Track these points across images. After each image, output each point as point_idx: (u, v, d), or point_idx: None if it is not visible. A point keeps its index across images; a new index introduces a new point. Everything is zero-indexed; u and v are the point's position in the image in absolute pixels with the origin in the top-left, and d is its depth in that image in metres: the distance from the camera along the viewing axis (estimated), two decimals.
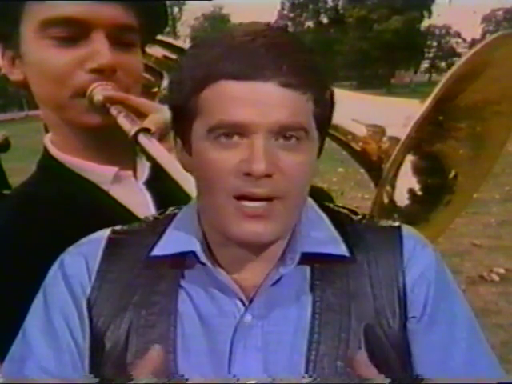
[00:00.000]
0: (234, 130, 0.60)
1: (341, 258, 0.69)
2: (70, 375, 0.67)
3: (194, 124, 0.64)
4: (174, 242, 0.70)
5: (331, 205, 0.78)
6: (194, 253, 0.68)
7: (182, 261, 0.70)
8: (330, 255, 0.68)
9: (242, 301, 0.67)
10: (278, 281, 0.68)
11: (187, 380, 0.64)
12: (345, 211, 0.76)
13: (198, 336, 0.67)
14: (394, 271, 0.69)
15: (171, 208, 0.77)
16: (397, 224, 0.74)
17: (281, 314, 0.67)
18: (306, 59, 0.63)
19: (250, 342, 0.66)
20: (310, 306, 0.67)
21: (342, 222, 0.73)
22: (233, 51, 0.61)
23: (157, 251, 0.70)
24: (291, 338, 0.66)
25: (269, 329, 0.67)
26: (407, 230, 0.74)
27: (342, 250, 0.69)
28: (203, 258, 0.67)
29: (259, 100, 0.60)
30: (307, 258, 0.68)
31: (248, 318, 0.67)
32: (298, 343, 0.66)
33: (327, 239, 0.70)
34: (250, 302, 0.68)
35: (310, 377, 0.64)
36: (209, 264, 0.67)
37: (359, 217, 0.75)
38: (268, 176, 0.60)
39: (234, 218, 0.62)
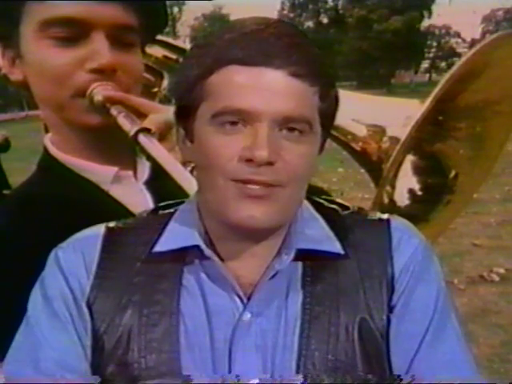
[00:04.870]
0: (239, 117, 0.61)
1: (335, 255, 0.69)
2: (85, 368, 0.67)
3: (199, 109, 0.64)
4: (176, 237, 0.70)
5: (321, 200, 0.77)
6: (197, 247, 0.67)
7: (183, 257, 0.69)
8: (324, 252, 0.69)
9: (240, 298, 0.68)
10: (273, 277, 0.68)
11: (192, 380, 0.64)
12: (334, 206, 0.76)
13: (201, 334, 0.67)
14: (383, 264, 0.70)
15: (162, 204, 0.76)
16: (386, 216, 0.74)
17: (275, 310, 0.67)
18: (315, 53, 0.64)
19: (250, 340, 0.66)
20: (300, 302, 0.68)
21: (330, 217, 0.73)
22: (243, 38, 0.61)
23: (159, 247, 0.69)
24: (284, 334, 0.66)
25: (267, 326, 0.67)
26: (395, 221, 0.74)
27: (336, 247, 0.69)
28: (207, 252, 0.67)
29: (266, 88, 0.60)
30: (301, 255, 0.69)
31: (247, 315, 0.67)
32: (289, 339, 0.66)
33: (322, 237, 0.70)
34: (248, 299, 0.68)
35: (304, 377, 0.64)
36: (213, 257, 0.67)
37: (348, 211, 0.75)
38: (270, 164, 0.60)
39: (233, 200, 0.62)
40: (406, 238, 0.72)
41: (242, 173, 0.61)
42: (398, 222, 0.74)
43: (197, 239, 0.68)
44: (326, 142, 0.70)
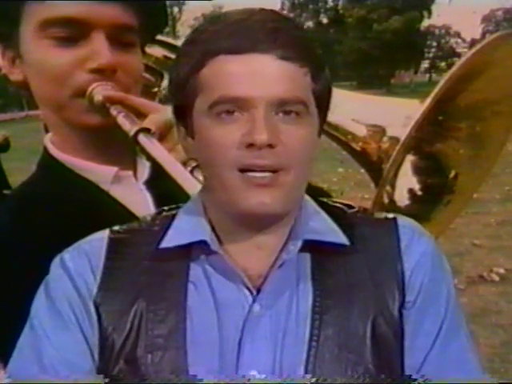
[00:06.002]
0: (234, 105, 0.61)
1: (340, 247, 0.70)
2: (90, 366, 0.67)
3: (196, 104, 0.65)
4: (182, 233, 0.70)
5: (325, 199, 0.78)
6: (204, 242, 0.68)
7: (189, 253, 0.70)
8: (330, 243, 0.69)
9: (249, 290, 0.68)
10: (281, 267, 0.68)
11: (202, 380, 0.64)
12: (338, 205, 0.77)
13: (209, 328, 0.67)
14: (392, 259, 0.71)
15: (166, 208, 0.77)
16: (392, 215, 0.75)
17: (286, 303, 0.68)
18: (301, 35, 0.65)
19: (259, 332, 0.66)
20: (310, 295, 0.68)
21: (336, 215, 0.74)
22: (229, 28, 0.62)
23: (166, 243, 0.70)
24: (295, 326, 0.67)
25: (277, 319, 0.67)
26: (403, 220, 0.75)
27: (341, 239, 0.70)
28: (214, 246, 0.67)
29: (257, 73, 0.61)
30: (308, 247, 0.69)
31: (257, 308, 0.67)
32: (300, 331, 0.66)
33: (326, 229, 0.71)
34: (257, 291, 0.68)
35: (314, 368, 0.65)
36: (220, 251, 0.67)
37: (354, 210, 0.76)
38: (271, 147, 0.61)
39: (241, 190, 0.62)
40: (416, 236, 0.73)
41: (244, 159, 0.61)
42: (406, 221, 0.75)
43: (203, 234, 0.68)
44: (323, 126, 0.71)
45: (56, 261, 0.72)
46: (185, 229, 0.70)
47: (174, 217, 0.73)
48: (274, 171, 0.62)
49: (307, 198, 0.74)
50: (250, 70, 0.61)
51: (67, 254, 0.72)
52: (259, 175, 0.62)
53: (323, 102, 0.68)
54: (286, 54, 0.61)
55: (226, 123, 0.62)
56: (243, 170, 0.62)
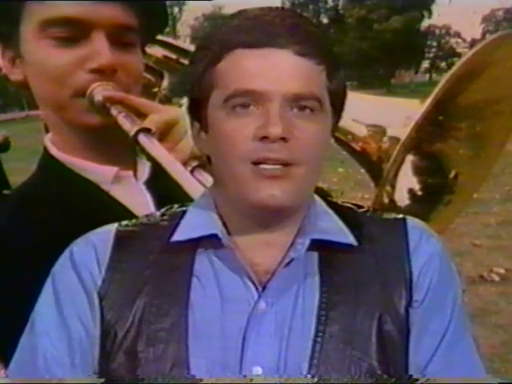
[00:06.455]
0: (250, 99, 0.62)
1: (348, 246, 0.70)
2: (78, 364, 0.68)
3: (211, 98, 0.66)
4: (194, 226, 0.70)
5: (335, 199, 0.79)
6: (215, 236, 0.68)
7: (196, 248, 0.70)
8: (338, 243, 0.69)
9: (255, 286, 0.68)
10: (287, 265, 0.68)
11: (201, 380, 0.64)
12: (348, 205, 0.77)
13: (211, 322, 0.67)
14: (400, 259, 0.71)
15: (176, 205, 0.77)
16: (401, 216, 0.76)
17: (291, 300, 0.68)
18: (319, 34, 0.66)
19: (264, 329, 0.66)
20: (317, 292, 0.68)
21: (345, 214, 0.74)
22: (247, 22, 0.63)
23: (177, 236, 0.70)
24: (300, 323, 0.67)
25: (282, 315, 0.67)
26: (412, 220, 0.75)
27: (350, 239, 0.70)
28: (225, 241, 0.68)
29: (274, 68, 0.62)
30: (315, 246, 0.69)
31: (262, 304, 0.67)
32: (306, 328, 0.66)
33: (335, 229, 0.71)
34: (263, 288, 0.68)
35: (313, 377, 0.64)
36: (230, 245, 0.68)
37: (363, 209, 0.77)
38: (284, 140, 0.61)
39: (252, 182, 0.63)
40: (425, 237, 0.73)
41: (257, 151, 0.62)
42: (414, 221, 0.75)
43: (215, 228, 0.69)
44: (337, 125, 0.71)
45: (65, 253, 0.72)
46: (196, 223, 0.71)
47: (183, 213, 0.74)
48: (286, 165, 0.63)
49: (317, 198, 0.75)
50: (267, 64, 0.62)
51: (76, 246, 0.72)
52: (271, 167, 0.62)
53: (338, 101, 0.68)
54: (303, 50, 0.62)
55: (240, 116, 0.63)
56: (256, 163, 0.63)
